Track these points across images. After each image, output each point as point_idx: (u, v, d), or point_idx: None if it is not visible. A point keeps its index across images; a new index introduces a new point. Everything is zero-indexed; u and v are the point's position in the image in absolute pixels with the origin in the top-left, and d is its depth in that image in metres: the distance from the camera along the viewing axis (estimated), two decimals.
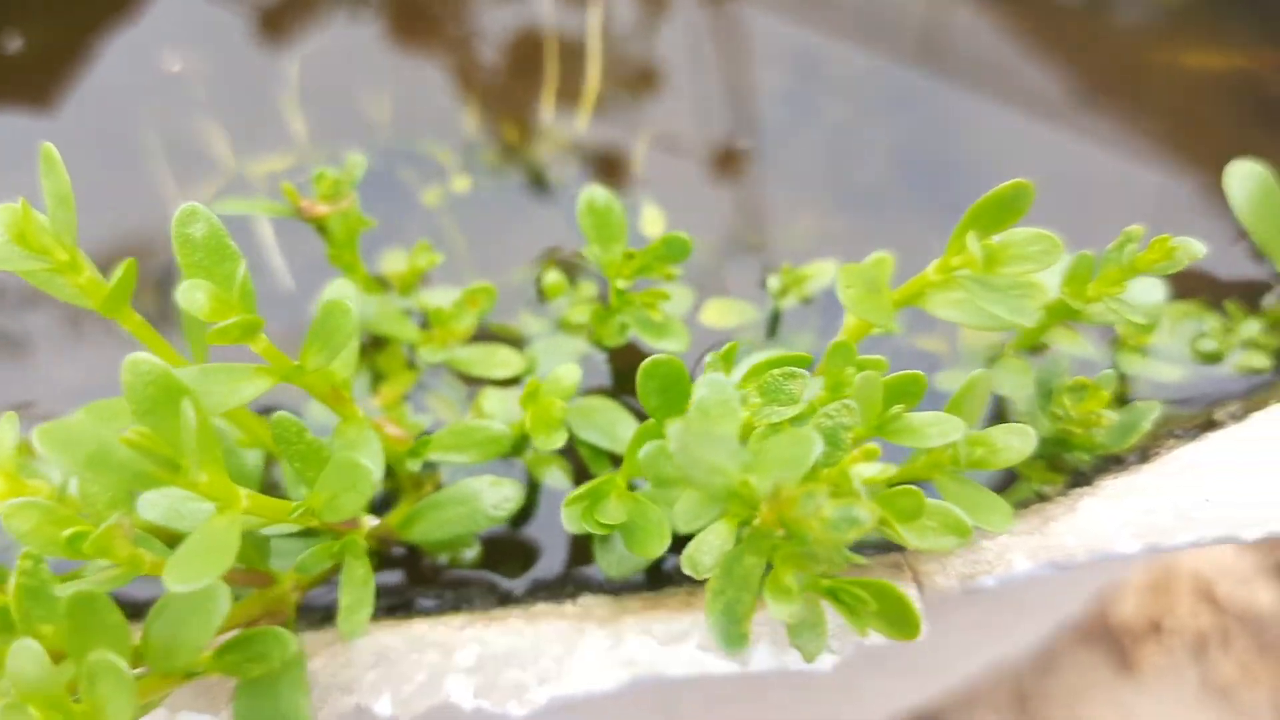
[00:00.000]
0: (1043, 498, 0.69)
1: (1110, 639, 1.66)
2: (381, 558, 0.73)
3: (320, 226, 0.74)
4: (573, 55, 0.99)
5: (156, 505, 0.54)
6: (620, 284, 0.71)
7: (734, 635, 0.51)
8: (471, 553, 0.73)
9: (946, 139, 0.95)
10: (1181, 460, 0.64)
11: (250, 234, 0.87)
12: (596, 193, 0.74)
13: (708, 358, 0.57)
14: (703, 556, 0.54)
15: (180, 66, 0.96)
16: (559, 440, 0.68)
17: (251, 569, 0.63)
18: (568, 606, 0.64)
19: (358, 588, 0.61)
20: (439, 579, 0.72)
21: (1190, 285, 0.82)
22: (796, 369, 0.58)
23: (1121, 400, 0.77)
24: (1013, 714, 1.64)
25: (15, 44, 1.00)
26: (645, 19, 1.03)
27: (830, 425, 0.53)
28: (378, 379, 0.80)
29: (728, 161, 0.94)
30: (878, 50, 1.01)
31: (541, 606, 0.65)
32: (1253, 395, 0.72)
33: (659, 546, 0.60)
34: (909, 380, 0.57)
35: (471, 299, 0.76)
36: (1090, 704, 1.65)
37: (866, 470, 0.49)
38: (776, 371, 0.59)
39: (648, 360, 0.60)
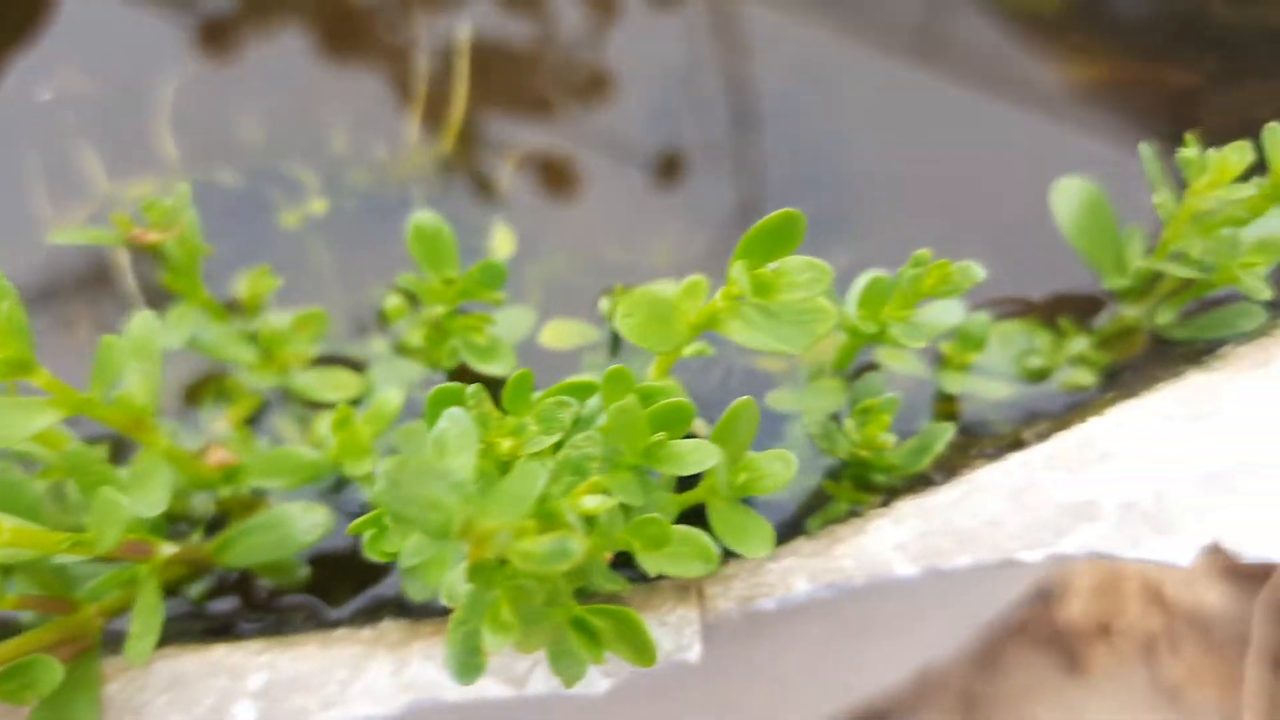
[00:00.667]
0: (856, 515, 0.70)
1: (1058, 640, 1.65)
2: (219, 581, 0.74)
3: (157, 253, 0.75)
4: (444, 74, 0.99)
5: None
6: (439, 310, 0.72)
7: (468, 666, 0.52)
8: (301, 574, 0.74)
9: (820, 154, 0.96)
10: (973, 482, 0.65)
11: (107, 261, 0.88)
12: (425, 218, 0.75)
13: (470, 388, 0.57)
14: (458, 585, 0.55)
15: (51, 95, 0.97)
16: (367, 466, 0.69)
17: (52, 596, 0.64)
18: (365, 631, 0.65)
19: (147, 616, 0.62)
20: (267, 603, 0.74)
21: (1032, 302, 0.82)
22: (567, 398, 0.59)
23: (953, 418, 0.77)
24: (959, 715, 1.64)
25: None
26: (515, 41, 1.04)
27: (577, 456, 0.54)
28: (225, 403, 0.81)
29: (597, 178, 0.95)
30: (743, 67, 1.02)
31: (340, 631, 0.66)
32: (1067, 414, 0.72)
33: (438, 575, 0.61)
34: (674, 409, 0.58)
35: (303, 324, 0.77)
36: (1038, 705, 1.65)
37: (589, 502, 0.50)
38: (549, 400, 0.59)
39: (434, 390, 0.61)
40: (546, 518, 0.49)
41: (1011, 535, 0.62)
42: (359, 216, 0.91)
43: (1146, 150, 0.71)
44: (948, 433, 0.66)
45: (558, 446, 0.58)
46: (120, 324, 0.86)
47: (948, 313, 0.67)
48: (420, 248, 0.75)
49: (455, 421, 0.53)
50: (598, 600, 0.62)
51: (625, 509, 0.57)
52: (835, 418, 0.73)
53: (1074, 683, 1.62)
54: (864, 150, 0.96)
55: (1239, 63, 0.96)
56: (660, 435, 0.57)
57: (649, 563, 0.55)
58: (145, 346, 0.65)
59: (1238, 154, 0.65)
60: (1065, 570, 1.61)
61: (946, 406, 0.77)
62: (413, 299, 0.83)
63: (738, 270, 0.58)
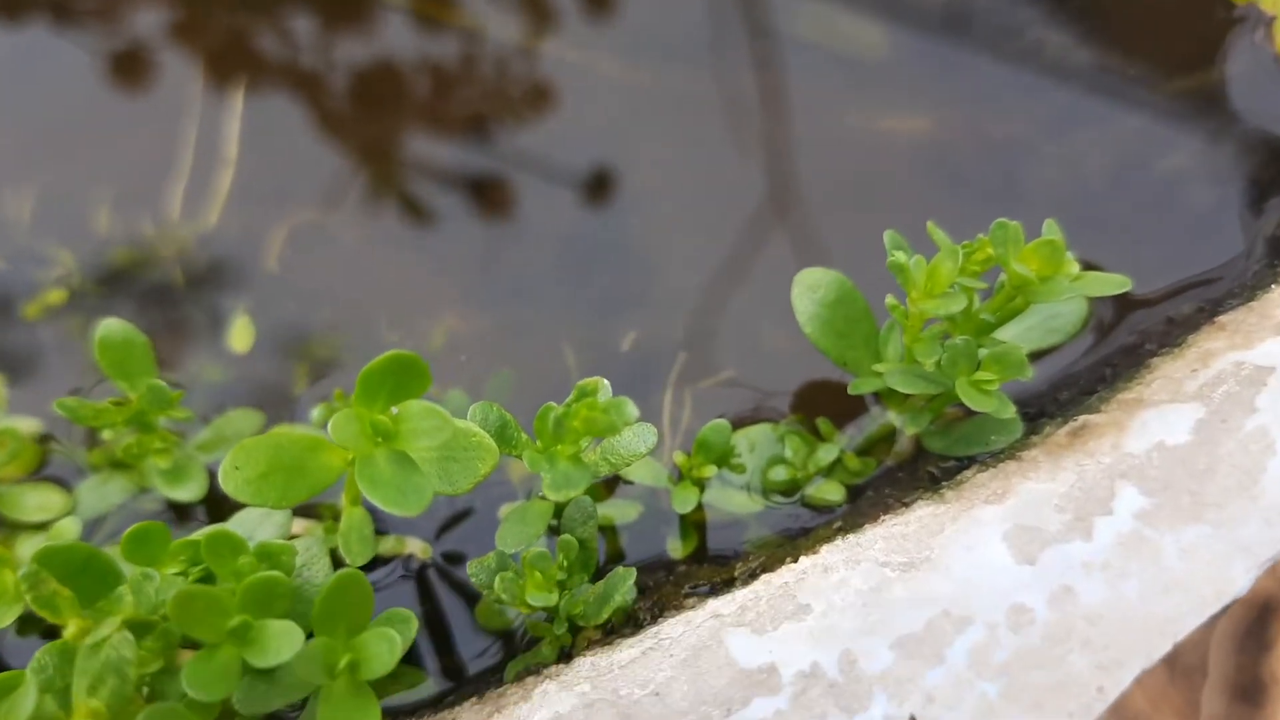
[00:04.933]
0: (564, 658, 0.62)
1: None
2: None
3: None
4: (210, 146, 0.93)
5: None
6: (107, 436, 0.66)
7: None
8: None
9: (610, 224, 0.88)
10: (659, 635, 0.58)
11: None
12: (113, 326, 0.69)
13: (23, 570, 0.51)
14: None
15: None
16: (11, 616, 0.63)
17: None
18: None
19: None
20: None
21: (795, 400, 0.74)
22: (151, 571, 0.53)
23: (701, 529, 0.70)
24: None
25: None
26: (281, 111, 0.97)
27: (116, 658, 0.47)
28: None
29: (376, 249, 0.88)
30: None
31: None
32: (789, 544, 0.64)
33: None
34: (267, 583, 0.51)
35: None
36: None
37: None
38: (137, 571, 0.53)
39: (40, 549, 0.55)
40: None
41: (676, 710, 0.54)
42: (108, 303, 0.85)
43: (891, 238, 0.63)
44: (629, 581, 0.59)
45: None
46: None
47: (638, 441, 0.60)
48: (108, 359, 0.69)
49: None
50: None
51: (198, 706, 0.50)
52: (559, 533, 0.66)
53: None
54: (668, 228, 0.89)
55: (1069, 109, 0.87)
56: (241, 618, 0.51)
57: None
58: None
59: (951, 259, 0.57)
60: None
61: (693, 517, 0.70)
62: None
63: (340, 421, 0.51)
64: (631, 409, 0.55)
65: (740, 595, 0.59)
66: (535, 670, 0.61)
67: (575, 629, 0.62)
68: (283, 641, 0.50)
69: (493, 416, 0.60)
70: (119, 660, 0.48)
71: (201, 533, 0.57)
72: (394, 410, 0.54)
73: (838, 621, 0.56)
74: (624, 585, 0.59)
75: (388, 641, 0.52)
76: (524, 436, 0.61)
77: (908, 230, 0.65)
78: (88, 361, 0.83)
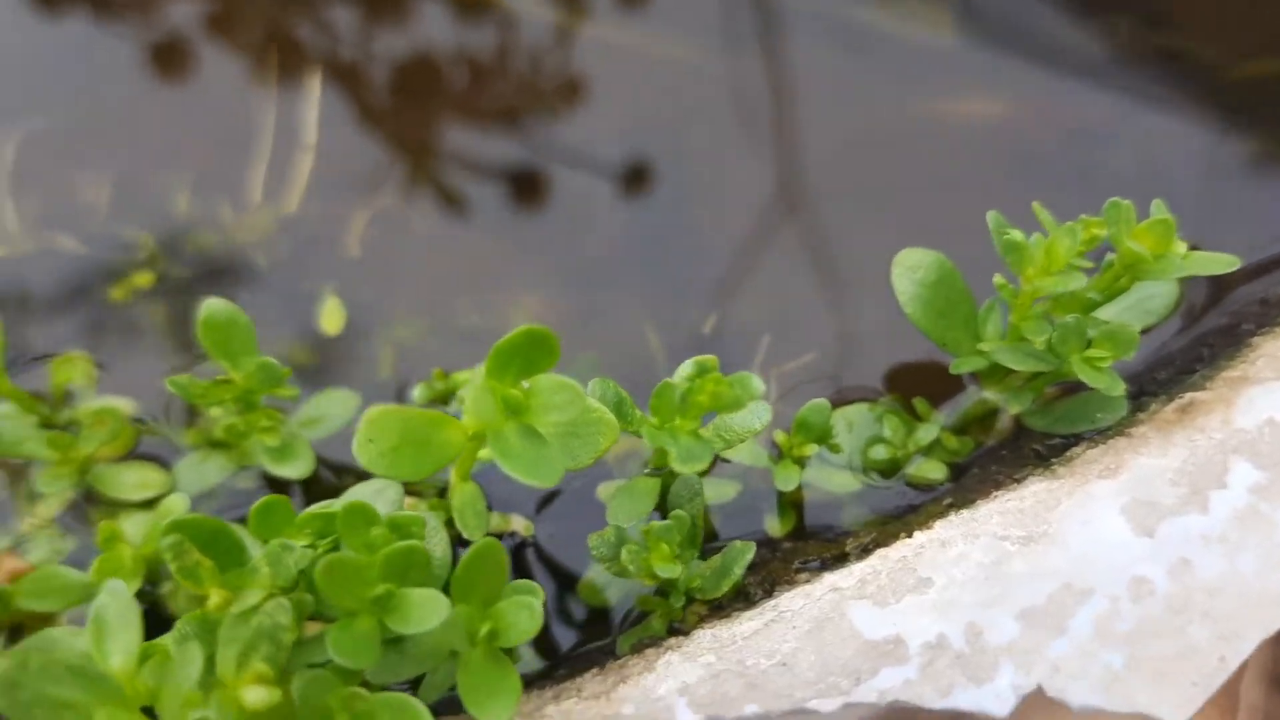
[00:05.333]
0: (676, 633, 0.63)
1: None
2: None
3: None
4: (291, 132, 0.93)
5: None
6: (215, 413, 0.66)
7: None
8: None
9: (679, 216, 0.89)
10: (778, 608, 0.58)
11: None
12: (216, 306, 0.69)
13: (167, 540, 0.52)
14: None
15: None
16: (132, 589, 0.64)
17: None
18: None
19: None
20: None
21: (891, 381, 0.75)
22: (290, 542, 0.53)
23: (799, 509, 0.70)
24: None
25: None
26: (362, 98, 0.97)
27: (270, 625, 0.48)
28: (33, 499, 0.76)
29: (456, 236, 0.89)
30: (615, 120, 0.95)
31: None
32: (900, 520, 0.65)
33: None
34: (406, 554, 0.52)
35: (99, 420, 0.72)
36: None
37: (251, 695, 0.44)
38: (275, 542, 0.54)
39: (172, 520, 0.56)
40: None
41: (804, 680, 0.55)
42: (191, 286, 0.85)
43: (994, 219, 0.63)
44: (748, 554, 0.60)
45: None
46: None
47: (752, 417, 0.60)
48: (211, 339, 0.69)
49: (115, 596, 0.47)
50: None
51: (343, 673, 0.51)
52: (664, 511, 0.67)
53: None
54: (744, 215, 0.89)
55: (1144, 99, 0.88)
56: (385, 587, 0.51)
57: None
58: None
59: (1069, 237, 0.57)
60: None
61: (791, 497, 0.70)
62: None
63: (477, 394, 0.52)
64: (757, 383, 0.55)
65: (858, 569, 0.60)
66: (650, 644, 0.62)
67: (686, 603, 0.63)
68: (427, 609, 0.50)
69: (610, 392, 0.60)
70: (273, 627, 0.48)
71: (318, 507, 0.58)
72: (524, 385, 0.55)
73: (960, 594, 0.57)
74: (743, 558, 0.60)
75: (527, 609, 0.52)
76: (638, 413, 0.62)
77: (977, 214, 0.65)
78: (174, 343, 0.83)
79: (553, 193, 0.90)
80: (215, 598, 0.51)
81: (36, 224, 0.90)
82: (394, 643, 0.55)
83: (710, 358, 0.58)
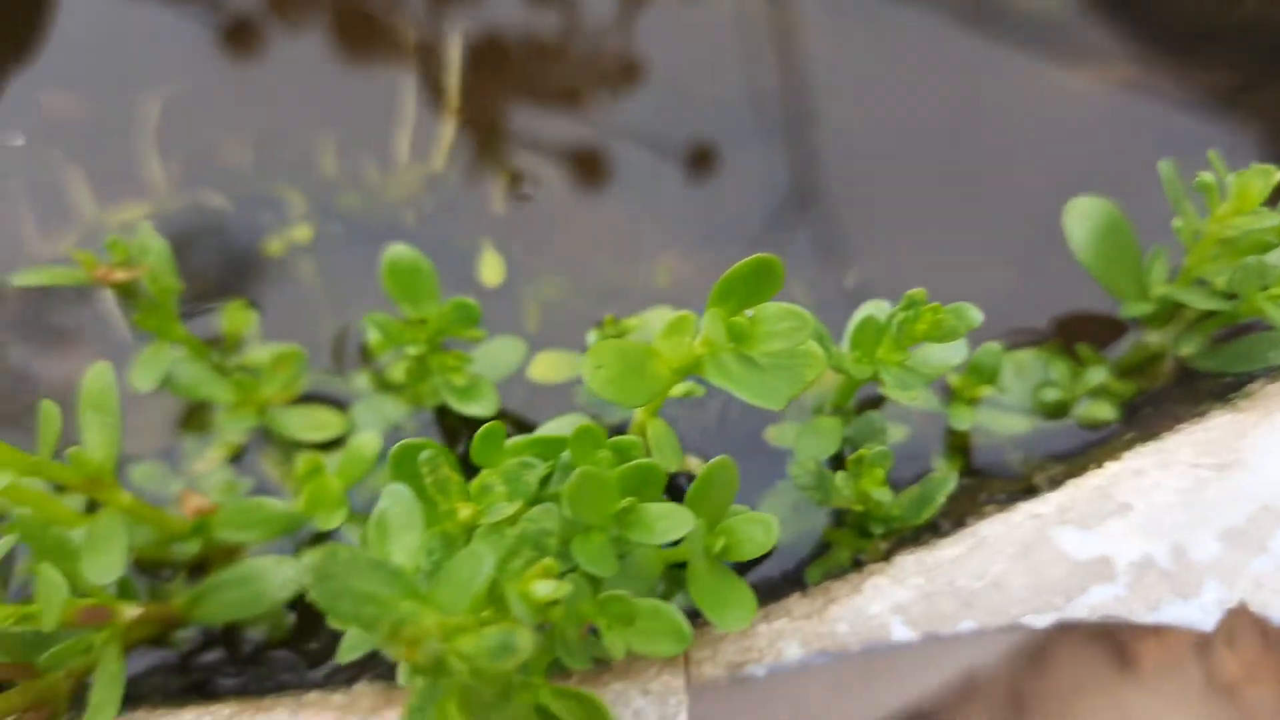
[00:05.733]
0: (861, 564, 0.65)
1: (1108, 636, 1.60)
2: (205, 632, 0.72)
3: (125, 292, 0.72)
4: (434, 94, 0.96)
5: None
6: (412, 351, 0.69)
7: None
8: (282, 627, 0.71)
9: (827, 170, 0.91)
10: (979, 535, 0.60)
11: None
12: (400, 252, 0.71)
13: (424, 454, 0.54)
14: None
15: (23, 140, 0.95)
16: (337, 519, 0.66)
17: (17, 662, 0.62)
18: (337, 696, 0.62)
19: (107, 686, 0.59)
20: (251, 656, 0.71)
21: (1049, 328, 0.77)
22: (531, 459, 0.55)
23: (965, 452, 0.72)
24: (1007, 712, 1.59)
25: None
26: (508, 53, 1.00)
27: (534, 530, 0.50)
28: (206, 443, 0.78)
29: (595, 196, 0.91)
30: (739, 80, 0.97)
31: (312, 695, 0.63)
32: (1083, 454, 0.67)
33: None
34: (643, 471, 0.54)
35: (280, 363, 0.74)
36: (1088, 702, 1.59)
37: (540, 589, 0.46)
38: (513, 461, 0.56)
39: (396, 448, 0.58)
40: (498, 604, 0.46)
41: (1017, 598, 0.57)
42: (348, 241, 0.88)
43: (1166, 169, 0.66)
44: (949, 484, 0.62)
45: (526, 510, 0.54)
46: (109, 355, 0.83)
47: (950, 352, 0.63)
48: (396, 283, 0.71)
49: (397, 500, 0.49)
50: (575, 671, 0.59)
51: (592, 580, 0.53)
52: (839, 458, 0.69)
53: (1125, 679, 1.57)
54: (874, 174, 0.92)
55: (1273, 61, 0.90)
56: (628, 500, 0.53)
57: (614, 642, 0.51)
58: (102, 400, 0.62)
59: (1261, 179, 0.60)
60: None
61: (959, 440, 0.73)
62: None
63: (709, 320, 0.54)
64: (975, 313, 0.57)
65: (1054, 498, 0.62)
66: (839, 574, 0.64)
67: (869, 534, 0.65)
68: (673, 521, 0.53)
69: (810, 326, 0.62)
70: (538, 533, 0.50)
71: (516, 440, 0.60)
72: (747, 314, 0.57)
73: (1160, 517, 0.59)
74: (945, 487, 0.62)
75: (762, 524, 0.54)
76: (835, 348, 0.64)
77: (1109, 178, 0.67)
78: (332, 295, 0.85)
79: (686, 155, 0.92)
80: (465, 511, 0.54)
81: (183, 182, 0.92)
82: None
83: (920, 290, 0.60)
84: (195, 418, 0.80)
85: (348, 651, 0.50)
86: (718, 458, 0.55)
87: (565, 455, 0.60)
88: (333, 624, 0.59)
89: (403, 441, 0.58)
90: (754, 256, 0.55)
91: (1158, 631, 1.56)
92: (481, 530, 0.52)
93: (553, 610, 0.46)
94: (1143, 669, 1.56)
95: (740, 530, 0.55)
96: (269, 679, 0.69)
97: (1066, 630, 1.51)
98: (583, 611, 0.52)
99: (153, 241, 0.70)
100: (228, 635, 0.72)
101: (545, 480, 0.58)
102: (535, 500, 0.55)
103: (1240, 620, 0.56)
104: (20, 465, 0.58)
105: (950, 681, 1.48)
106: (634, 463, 0.54)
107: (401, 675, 0.53)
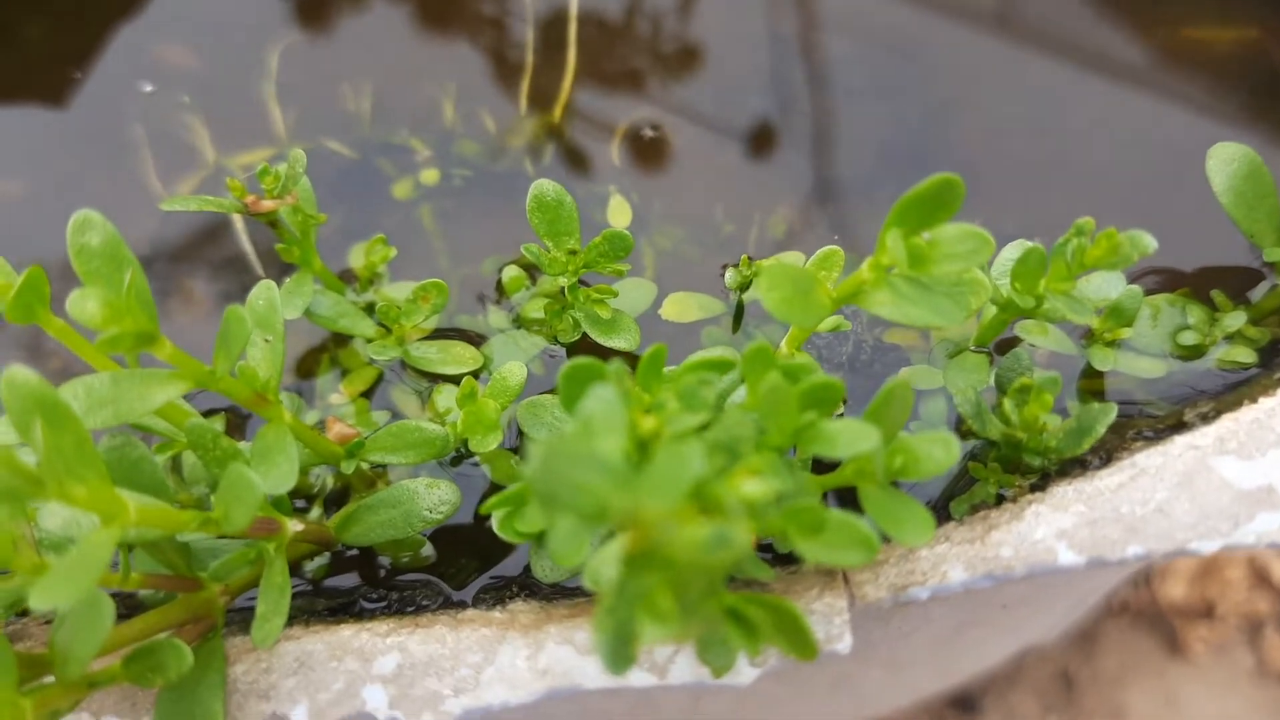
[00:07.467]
0: (1004, 500, 0.66)
1: (1160, 621, 1.60)
2: (335, 557, 0.73)
3: (271, 222, 0.73)
4: (550, 46, 0.97)
5: (56, 515, 0.54)
6: (563, 281, 0.70)
7: (621, 657, 0.49)
8: (424, 552, 0.72)
9: (934, 128, 0.91)
10: (1138, 465, 0.61)
11: (220, 231, 0.87)
12: (545, 187, 0.72)
13: (612, 364, 0.55)
14: (605, 570, 0.53)
15: (152, 88, 0.96)
16: (493, 442, 0.67)
17: (177, 575, 0.63)
18: (495, 613, 0.63)
19: (274, 595, 0.60)
20: (388, 580, 0.72)
21: (1183, 275, 0.77)
22: (710, 375, 0.56)
23: (1099, 396, 0.73)
24: (1055, 696, 1.60)
25: (32, 34, 1.02)
26: (627, 7, 1.01)
27: (728, 438, 0.51)
28: (344, 374, 0.79)
29: (708, 149, 0.92)
30: (855, 37, 0.98)
31: (470, 612, 0.64)
32: (1230, 393, 0.68)
33: (577, 556, 0.58)
34: (823, 387, 0.55)
35: (423, 295, 0.75)
36: (1137, 686, 1.60)
37: (749, 487, 0.47)
38: (690, 378, 0.56)
39: (567, 365, 0.59)
40: (703, 503, 0.47)
41: (1183, 525, 0.58)
42: (468, 188, 0.89)
43: None
44: (1111, 414, 0.62)
45: (702, 428, 0.55)
46: (236, 295, 0.85)
47: (1109, 286, 0.63)
48: (541, 217, 0.72)
49: (603, 401, 0.50)
50: (741, 587, 0.59)
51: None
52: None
53: (1175, 664, 1.57)
54: (975, 120, 0.92)
55: None
56: (810, 416, 0.54)
57: (806, 550, 0.52)
58: (268, 317, 0.64)
59: None
60: None
61: (1092, 384, 0.73)
62: (531, 271, 0.80)
63: (892, 240, 0.55)
64: (1150, 240, 0.58)
65: (1211, 430, 0.62)
66: (983, 507, 0.64)
67: (1014, 469, 0.66)
68: (857, 435, 0.53)
69: (991, 246, 0.63)
70: (731, 440, 0.51)
71: (705, 357, 0.61)
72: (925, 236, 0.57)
73: None
74: (1105, 418, 0.63)
75: (942, 443, 0.55)
76: (987, 279, 0.64)
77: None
78: (454, 239, 0.86)
79: (794, 113, 0.93)
80: (650, 422, 0.54)
81: (300, 130, 0.93)
82: None
83: (1088, 219, 0.60)
84: (319, 356, 0.81)
85: (560, 544, 0.51)
86: (896, 375, 0.56)
87: (727, 379, 0.61)
88: (503, 534, 0.60)
89: (573, 359, 0.59)
90: (937, 176, 0.56)
91: (1208, 619, 1.56)
92: (665, 445, 0.53)
93: (765, 509, 0.47)
94: (1193, 654, 1.57)
95: (918, 448, 0.55)
96: (409, 603, 0.70)
97: (1117, 615, 1.52)
98: (770, 522, 0.52)
99: (299, 172, 0.71)
100: (362, 561, 0.73)
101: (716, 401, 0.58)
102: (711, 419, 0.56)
103: None
104: (195, 375, 0.59)
105: (1003, 660, 1.49)
106: (816, 378, 0.55)
107: (588, 579, 0.53)
